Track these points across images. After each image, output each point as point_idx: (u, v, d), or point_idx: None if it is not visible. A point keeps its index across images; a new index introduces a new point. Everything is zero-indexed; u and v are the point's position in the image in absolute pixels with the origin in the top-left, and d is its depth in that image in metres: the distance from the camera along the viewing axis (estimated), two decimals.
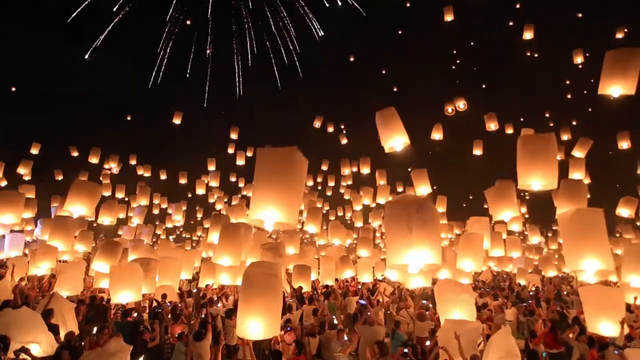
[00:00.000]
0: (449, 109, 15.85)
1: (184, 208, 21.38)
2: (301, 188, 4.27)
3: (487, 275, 17.87)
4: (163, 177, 22.25)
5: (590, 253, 5.51)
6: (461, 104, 15.65)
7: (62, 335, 6.56)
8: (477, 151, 16.09)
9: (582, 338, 7.19)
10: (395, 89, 24.94)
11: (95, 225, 14.61)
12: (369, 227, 17.26)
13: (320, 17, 40.71)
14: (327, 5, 39.26)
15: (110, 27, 35.55)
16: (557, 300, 12.63)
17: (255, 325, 4.33)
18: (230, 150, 20.60)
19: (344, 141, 20.55)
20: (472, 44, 26.82)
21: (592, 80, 10.26)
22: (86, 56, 35.56)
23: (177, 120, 18.36)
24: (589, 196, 8.63)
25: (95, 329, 7.04)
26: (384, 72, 27.93)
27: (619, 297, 6.87)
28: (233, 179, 22.58)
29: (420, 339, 7.99)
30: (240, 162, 20.13)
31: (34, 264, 10.62)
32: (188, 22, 35.79)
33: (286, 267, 11.94)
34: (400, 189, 19.21)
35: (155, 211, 21.68)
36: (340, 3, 39.04)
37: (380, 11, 33.49)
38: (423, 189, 12.15)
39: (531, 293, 13.98)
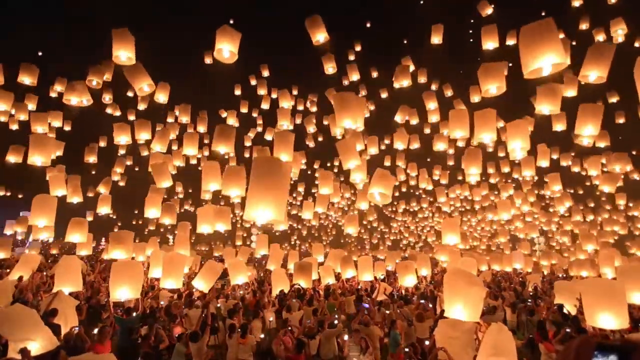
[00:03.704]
0: None
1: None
2: None
3: (488, 275, 17.87)
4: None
5: None
6: None
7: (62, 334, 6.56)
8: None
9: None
10: None
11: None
12: None
13: None
14: None
15: None
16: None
17: (262, 210, 4.78)
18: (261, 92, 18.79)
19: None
20: None
21: None
22: None
23: (208, 60, 17.77)
24: None
25: (96, 330, 7.07)
26: None
27: (618, 290, 6.83)
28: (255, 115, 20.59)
29: (420, 340, 8.02)
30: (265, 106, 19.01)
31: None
32: None
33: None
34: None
35: None
36: None
37: None
38: None
39: (531, 293, 13.97)
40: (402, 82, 14.15)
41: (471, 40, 17.72)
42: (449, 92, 16.64)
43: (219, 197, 19.94)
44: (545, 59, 5.71)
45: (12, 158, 13.09)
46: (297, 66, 22.41)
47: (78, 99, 11.54)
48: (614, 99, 15.72)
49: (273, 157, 7.26)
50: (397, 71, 14.27)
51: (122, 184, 20.27)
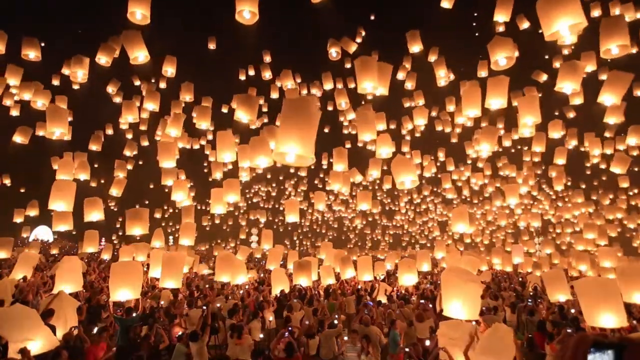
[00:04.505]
0: None
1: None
2: None
3: (487, 275, 17.86)
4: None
5: None
6: None
7: (58, 335, 6.52)
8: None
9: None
10: None
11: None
12: None
13: None
14: None
15: None
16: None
17: (291, 147, 4.79)
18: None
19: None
20: None
21: None
22: None
23: (211, 46, 17.38)
24: None
25: (95, 329, 7.06)
26: None
27: (613, 288, 6.83)
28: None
29: (420, 340, 8.02)
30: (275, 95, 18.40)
31: None
32: None
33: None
34: None
35: None
36: None
37: None
38: None
39: (531, 293, 13.96)
40: (414, 48, 14.05)
41: (477, 34, 17.75)
42: (451, 76, 16.39)
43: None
44: (564, 21, 5.91)
45: (19, 138, 12.95)
46: (298, 57, 22.36)
47: (83, 71, 11.38)
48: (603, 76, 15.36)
49: (302, 96, 7.14)
50: (408, 37, 14.09)
51: (129, 167, 20.03)
